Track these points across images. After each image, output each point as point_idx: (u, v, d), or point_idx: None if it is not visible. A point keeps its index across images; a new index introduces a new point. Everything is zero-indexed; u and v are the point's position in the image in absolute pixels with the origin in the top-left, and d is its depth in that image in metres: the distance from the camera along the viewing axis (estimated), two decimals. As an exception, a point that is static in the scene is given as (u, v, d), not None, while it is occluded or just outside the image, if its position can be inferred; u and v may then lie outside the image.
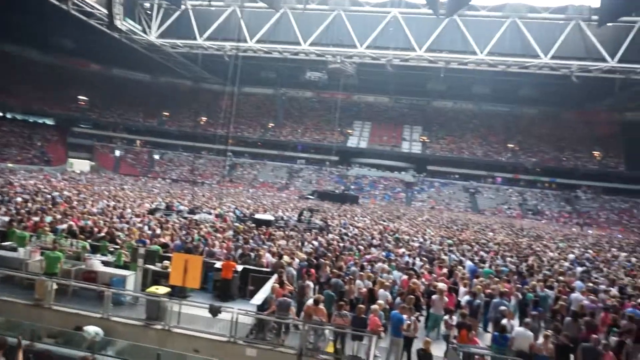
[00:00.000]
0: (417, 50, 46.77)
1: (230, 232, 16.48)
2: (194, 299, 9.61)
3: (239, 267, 11.21)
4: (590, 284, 13.26)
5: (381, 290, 10.42)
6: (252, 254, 12.78)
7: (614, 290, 12.59)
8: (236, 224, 18.68)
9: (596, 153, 58.88)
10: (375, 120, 68.05)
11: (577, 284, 13.10)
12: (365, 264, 13.05)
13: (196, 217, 20.05)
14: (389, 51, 48.13)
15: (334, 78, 54.44)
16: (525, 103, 64.29)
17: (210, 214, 21.81)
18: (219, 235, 15.60)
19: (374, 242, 18.03)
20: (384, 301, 9.78)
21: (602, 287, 13.02)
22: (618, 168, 57.05)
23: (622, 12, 39.03)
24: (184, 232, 15.62)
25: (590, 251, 22.48)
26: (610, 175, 56.87)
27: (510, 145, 62.27)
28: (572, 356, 8.17)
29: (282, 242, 15.48)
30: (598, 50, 43.24)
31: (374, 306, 8.87)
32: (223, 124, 54.17)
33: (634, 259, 21.27)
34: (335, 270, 11.63)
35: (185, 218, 19.43)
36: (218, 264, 11.15)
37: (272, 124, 68.06)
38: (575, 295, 11.50)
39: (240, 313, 8.22)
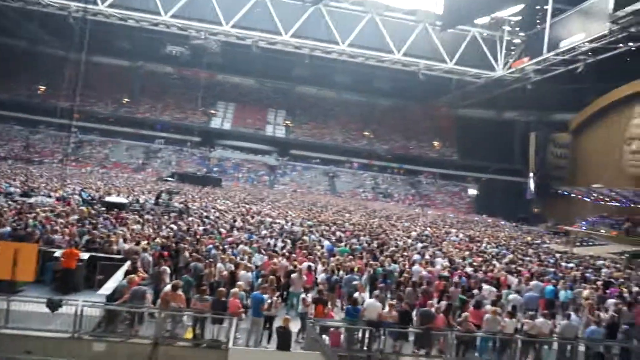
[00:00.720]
0: (283, 34, 47.20)
1: (75, 217, 14.77)
2: (26, 294, 8.40)
3: (85, 255, 10.14)
4: (428, 257, 15.14)
5: (242, 272, 10.42)
6: (101, 240, 11.65)
7: (446, 262, 14.57)
8: (82, 208, 16.80)
9: (436, 143, 67.01)
10: (239, 102, 67.03)
11: (416, 257, 14.82)
12: (227, 247, 12.89)
13: (31, 200, 17.49)
14: (255, 32, 47.66)
15: (197, 55, 51.97)
16: (380, 94, 69.77)
17: (49, 196, 19.23)
18: (60, 220, 13.85)
19: (237, 224, 17.90)
20: (245, 282, 9.81)
21: (438, 259, 14.96)
22: (452, 157, 65.83)
23: (459, 21, 44.73)
24: (14, 217, 13.51)
25: (429, 229, 25.62)
26: (446, 162, 65.35)
27: (366, 133, 67.18)
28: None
29: (137, 227, 14.42)
30: (440, 52, 48.91)
31: (234, 289, 8.83)
32: (67, 95, 47.72)
33: (461, 235, 24.88)
34: (194, 254, 11.27)
35: (15, 201, 16.81)
36: (58, 253, 9.92)
37: (127, 100, 62.40)
38: (416, 267, 13.02)
39: (85, 305, 7.46)
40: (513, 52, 49.91)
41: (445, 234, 24.52)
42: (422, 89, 59.38)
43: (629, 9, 32.02)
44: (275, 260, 11.82)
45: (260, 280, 10.22)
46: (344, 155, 65.16)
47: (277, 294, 9.71)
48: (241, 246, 13.14)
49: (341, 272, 11.52)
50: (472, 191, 61.69)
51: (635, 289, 13.59)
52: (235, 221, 18.64)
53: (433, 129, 68.83)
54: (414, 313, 9.55)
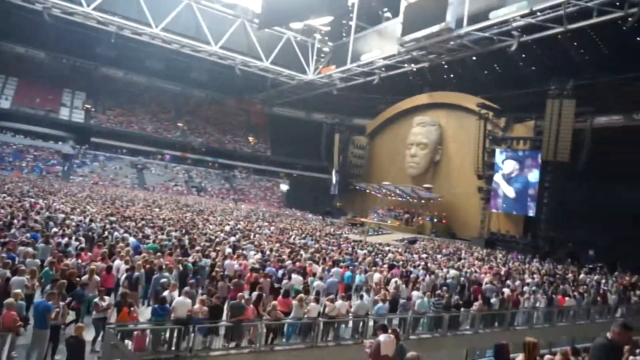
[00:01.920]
0: (85, 5, 41.55)
1: None
2: None
3: None
4: (240, 251, 15.30)
5: (15, 278, 8.78)
6: None
7: (258, 254, 14.96)
8: None
9: (251, 138, 68.34)
10: (25, 78, 56.10)
11: (229, 251, 14.84)
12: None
13: None
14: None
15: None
16: (196, 85, 67.59)
17: None
18: None
19: (15, 222, 15.02)
20: (22, 288, 8.30)
21: (251, 252, 15.25)
22: (266, 153, 68.11)
23: (275, 22, 46.38)
24: None
25: (242, 222, 25.93)
26: (260, 158, 67.30)
27: (180, 124, 64.28)
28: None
29: None
30: (257, 49, 49.95)
31: (8, 300, 7.37)
32: None
33: (272, 228, 25.91)
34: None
35: None
36: None
37: None
38: (228, 261, 13.01)
39: None
40: (322, 59, 54.30)
41: (258, 227, 25.16)
42: (238, 83, 59.86)
43: (411, 36, 38.13)
44: (67, 261, 10.31)
45: (48, 286, 8.77)
46: (155, 146, 61.03)
47: (68, 299, 8.49)
48: (22, 248, 11.07)
49: (142, 270, 10.69)
50: (284, 186, 64.89)
51: (411, 269, 16.27)
52: (14, 218, 15.61)
53: (248, 125, 70.00)
54: (225, 307, 9.53)
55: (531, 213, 33.95)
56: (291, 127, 65.05)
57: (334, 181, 57.41)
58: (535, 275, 18.53)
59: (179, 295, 9.26)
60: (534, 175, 34.12)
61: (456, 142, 43.87)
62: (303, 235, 23.49)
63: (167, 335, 8.27)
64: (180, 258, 12.71)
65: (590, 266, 25.49)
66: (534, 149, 34.17)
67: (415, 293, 12.46)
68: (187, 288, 9.53)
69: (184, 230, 18.60)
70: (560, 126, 30.54)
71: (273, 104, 68.61)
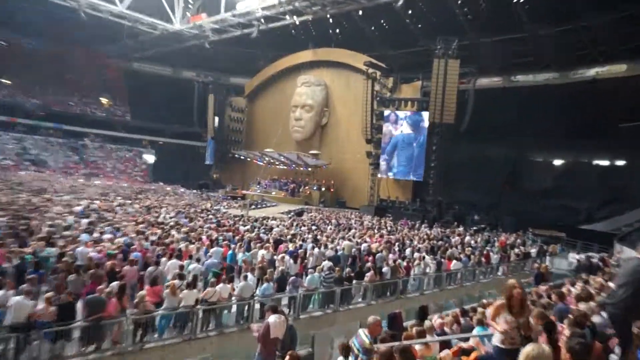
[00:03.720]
0: None
1: None
2: None
3: None
4: (97, 235, 14.13)
5: None
6: None
7: (119, 238, 13.97)
8: None
9: (104, 100, 62.96)
10: None
11: (83, 236, 13.62)
12: None
13: None
14: None
15: None
16: (28, 31, 59.23)
17: None
18: None
19: None
20: None
21: (108, 236, 14.16)
22: (124, 117, 63.44)
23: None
24: None
25: (97, 202, 23.99)
26: (118, 123, 62.58)
27: (5, 81, 56.42)
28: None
29: None
30: (108, -11, 45.45)
31: None
32: None
33: (137, 206, 24.44)
34: None
35: None
36: None
37: None
38: (80, 249, 11.91)
39: None
40: (191, 6, 51.43)
41: (119, 206, 23.57)
42: (86, 32, 53.98)
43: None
44: None
45: None
46: (-30, 109, 53.02)
47: None
48: None
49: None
50: (149, 157, 61.62)
51: (299, 242, 16.63)
52: None
53: (101, 83, 64.20)
54: (79, 304, 8.73)
55: (419, 178, 36.79)
56: (156, 87, 61.11)
57: (209, 150, 56.02)
58: (425, 242, 20.21)
59: (17, 295, 8.23)
60: (421, 139, 36.83)
61: (344, 104, 45.39)
62: (175, 213, 22.64)
63: (2, 347, 7.33)
64: (14, 249, 11.29)
65: (475, 228, 28.68)
66: (421, 110, 36.74)
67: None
68: (25, 285, 8.50)
69: (17, 215, 16.58)
70: (446, 87, 33.11)
71: (132, 59, 63.46)
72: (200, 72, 59.74)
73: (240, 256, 13.74)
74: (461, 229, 27.63)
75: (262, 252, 14.28)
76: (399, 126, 38.40)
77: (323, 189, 43.29)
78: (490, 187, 38.30)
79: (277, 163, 46.97)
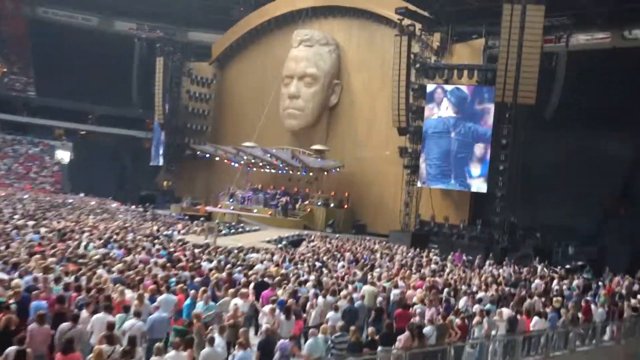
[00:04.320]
0: None
1: None
2: None
3: None
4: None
5: None
6: None
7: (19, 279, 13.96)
8: None
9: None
10: None
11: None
12: None
13: None
14: None
15: None
16: None
17: None
18: None
19: None
20: None
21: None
22: (26, 91, 63.78)
23: None
24: None
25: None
26: (15, 101, 62.89)
27: None
28: None
29: None
30: None
31: None
32: None
33: (44, 229, 24.47)
34: None
35: None
36: None
37: None
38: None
39: None
40: None
41: (15, 230, 23.66)
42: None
43: None
44: None
45: None
46: None
47: None
48: None
49: None
50: (63, 154, 61.87)
51: (295, 287, 16.55)
52: None
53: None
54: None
55: (481, 187, 36.59)
56: (75, 45, 61.34)
57: (156, 143, 56.24)
58: (490, 288, 20.05)
59: None
60: (484, 128, 36.71)
61: (364, 74, 45.48)
62: (103, 241, 22.62)
63: None
64: None
65: (568, 267, 28.49)
66: (484, 83, 36.72)
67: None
68: None
69: None
70: (523, 48, 33.02)
71: (37, 1, 63.67)
72: (143, 22, 59.98)
73: (201, 307, 13.66)
74: (546, 268, 27.47)
75: (236, 301, 14.19)
76: (450, 108, 38.20)
77: (332, 204, 43.24)
78: (592, 205, 38.00)
79: (261, 164, 46.94)
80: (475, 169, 36.89)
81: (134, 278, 15.83)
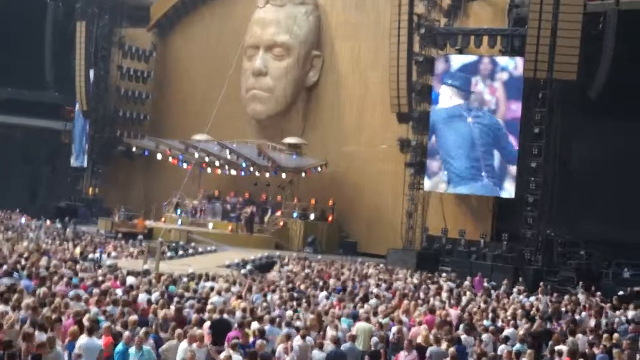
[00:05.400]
0: None
1: None
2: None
3: None
4: None
5: None
6: None
7: None
8: None
9: None
10: None
11: None
12: None
13: None
14: None
15: None
16: None
17: None
18: None
19: None
20: None
21: None
22: None
23: None
24: None
25: None
26: None
27: None
28: None
29: None
30: None
31: None
32: None
33: None
34: None
35: None
36: None
37: None
38: None
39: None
40: None
41: None
42: None
43: None
44: None
45: None
46: None
47: None
48: None
49: None
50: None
51: (265, 327, 16.54)
52: None
53: None
54: None
55: (506, 193, 36.74)
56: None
57: (78, 138, 56.03)
58: (520, 321, 20.12)
59: None
60: (511, 111, 36.86)
61: (353, 44, 45.69)
62: (7, 268, 22.49)
63: None
64: None
65: (622, 293, 28.56)
66: (510, 54, 36.94)
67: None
68: None
69: None
70: (561, 6, 33.21)
71: None
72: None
73: (134, 354, 13.64)
74: (593, 295, 27.58)
75: (185, 346, 14.21)
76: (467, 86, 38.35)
77: (312, 216, 43.36)
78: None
79: (217, 164, 46.90)
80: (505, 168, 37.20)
81: (49, 316, 15.75)
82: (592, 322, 22.22)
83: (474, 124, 37.80)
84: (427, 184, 39.55)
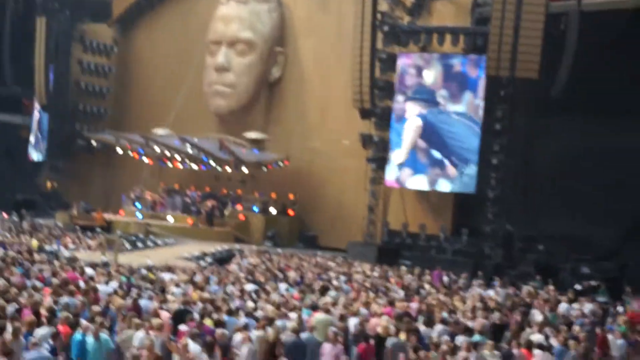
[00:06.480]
0: None
1: None
2: None
3: None
4: None
5: None
6: None
7: None
8: None
9: None
10: None
11: None
12: None
13: None
14: None
15: None
16: None
17: None
18: None
19: None
20: None
21: None
22: None
23: None
24: None
25: None
26: None
27: None
28: None
29: None
30: None
31: None
32: None
33: None
34: None
35: None
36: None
37: None
38: None
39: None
40: None
41: None
42: None
43: None
44: None
45: None
46: None
47: None
48: None
49: None
50: None
51: (223, 317, 16.40)
52: None
53: None
54: None
55: (467, 188, 36.91)
56: None
57: (37, 132, 55.64)
58: (479, 315, 20.12)
59: None
60: (472, 109, 37.00)
61: (315, 40, 45.76)
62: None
63: None
64: None
65: (579, 288, 28.77)
66: (473, 52, 37.10)
67: None
68: None
69: None
70: (524, 6, 33.41)
71: None
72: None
73: (92, 344, 13.47)
74: (551, 288, 27.68)
75: (142, 335, 14.03)
76: (430, 82, 38.44)
77: (273, 209, 43.25)
78: (612, 210, 38.25)
79: (178, 158, 46.63)
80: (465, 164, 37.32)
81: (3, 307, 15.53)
82: (539, 317, 22.30)
83: (437, 120, 37.97)
84: (386, 180, 39.73)
